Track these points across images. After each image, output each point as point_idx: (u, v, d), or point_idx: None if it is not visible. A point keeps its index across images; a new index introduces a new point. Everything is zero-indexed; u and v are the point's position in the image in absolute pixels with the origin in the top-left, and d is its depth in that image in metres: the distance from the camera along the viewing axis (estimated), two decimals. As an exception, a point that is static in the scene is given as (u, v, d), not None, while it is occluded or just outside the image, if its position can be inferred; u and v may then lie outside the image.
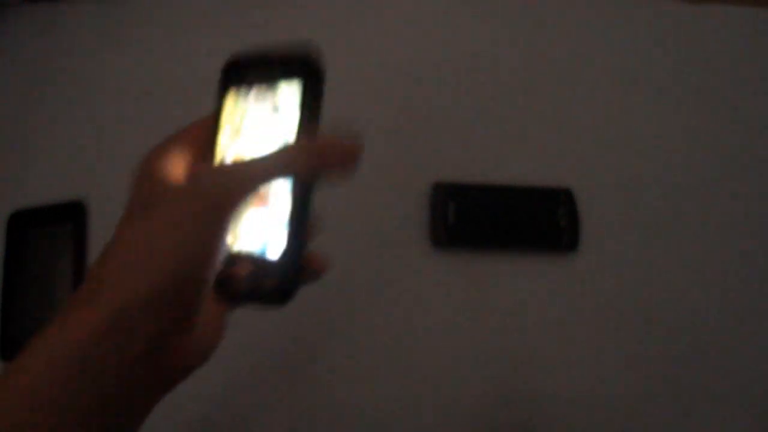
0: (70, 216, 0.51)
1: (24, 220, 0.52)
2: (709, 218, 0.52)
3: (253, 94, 0.29)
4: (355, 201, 0.52)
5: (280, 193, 0.27)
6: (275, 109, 0.28)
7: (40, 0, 0.59)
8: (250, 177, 0.25)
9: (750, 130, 0.54)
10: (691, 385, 0.48)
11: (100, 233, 0.51)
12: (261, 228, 0.27)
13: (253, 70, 0.29)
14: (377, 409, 0.47)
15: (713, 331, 0.49)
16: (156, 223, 0.24)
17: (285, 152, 0.26)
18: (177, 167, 0.27)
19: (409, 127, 0.54)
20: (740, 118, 0.55)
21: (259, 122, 0.28)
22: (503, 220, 0.51)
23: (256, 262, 0.27)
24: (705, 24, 0.58)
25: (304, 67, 0.28)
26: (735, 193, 0.53)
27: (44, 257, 0.50)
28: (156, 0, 0.59)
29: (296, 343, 0.48)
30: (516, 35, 0.57)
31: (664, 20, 0.58)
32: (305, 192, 0.27)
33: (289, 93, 0.28)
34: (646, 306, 0.49)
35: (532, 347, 0.48)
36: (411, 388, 0.47)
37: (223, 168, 0.28)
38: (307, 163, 0.26)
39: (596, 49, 0.57)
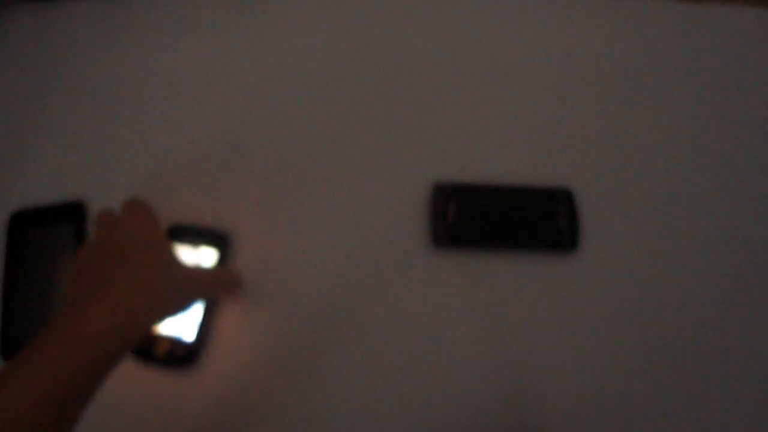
0: (70, 216, 0.51)
1: (24, 220, 0.52)
2: (709, 218, 0.52)
3: (184, 246, 0.49)
4: (355, 201, 0.52)
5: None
6: (197, 256, 0.49)
7: None
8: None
9: (750, 130, 0.54)
10: (691, 384, 0.48)
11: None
12: (178, 322, 0.47)
13: (186, 233, 0.50)
14: (376, 409, 0.47)
15: (713, 330, 0.49)
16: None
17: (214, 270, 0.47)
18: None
19: (408, 127, 0.54)
20: (740, 118, 0.55)
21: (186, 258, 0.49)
22: (503, 220, 0.51)
23: (174, 342, 0.47)
24: (705, 24, 0.58)
25: (223, 240, 0.50)
26: (735, 192, 0.53)
27: (44, 257, 0.50)
28: (156, 0, 0.59)
29: (296, 343, 0.49)
30: (516, 35, 0.57)
31: (664, 20, 0.58)
32: (211, 304, 0.48)
33: (207, 252, 0.49)
34: (645, 306, 0.49)
35: (532, 347, 0.48)
36: (411, 387, 0.47)
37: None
38: (219, 284, 0.46)
39: (596, 49, 0.57)
